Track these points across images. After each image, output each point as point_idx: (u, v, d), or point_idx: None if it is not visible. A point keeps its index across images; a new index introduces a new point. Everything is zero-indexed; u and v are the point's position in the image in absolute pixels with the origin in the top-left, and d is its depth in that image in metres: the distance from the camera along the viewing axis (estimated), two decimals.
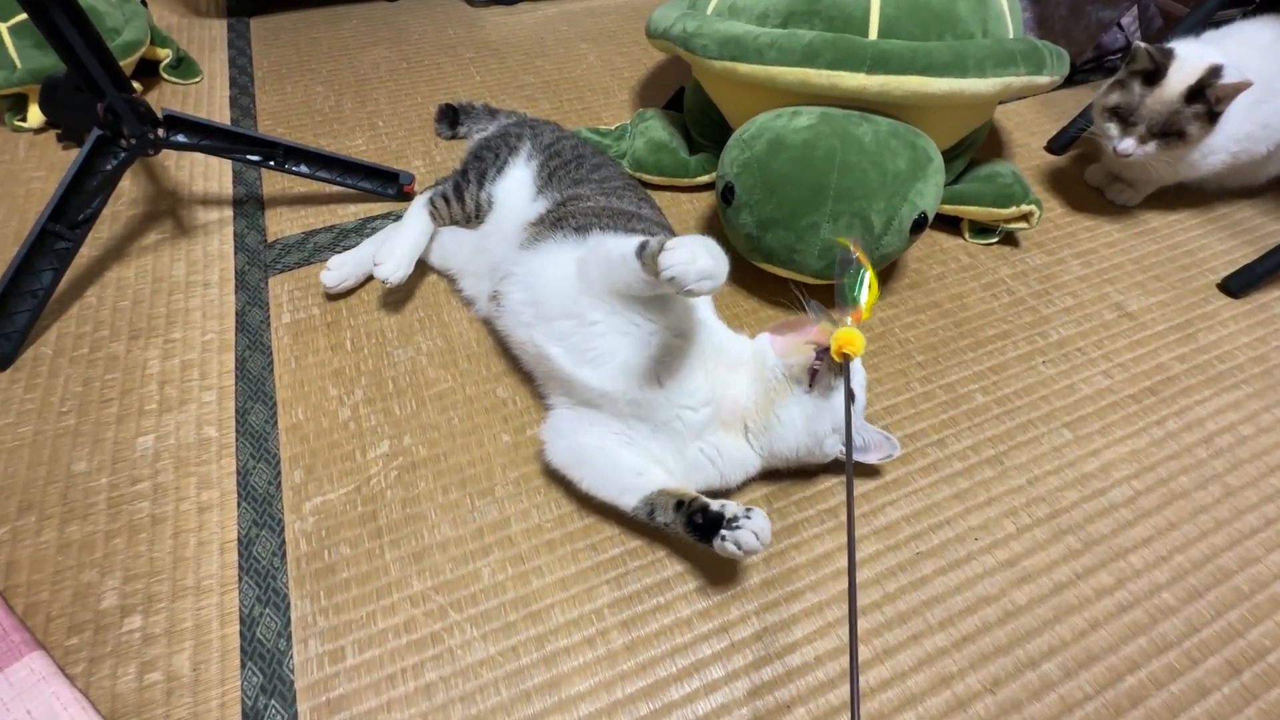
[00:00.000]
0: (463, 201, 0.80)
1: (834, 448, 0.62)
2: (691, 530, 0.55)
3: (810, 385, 0.59)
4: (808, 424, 0.59)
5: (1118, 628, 0.59)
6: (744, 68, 0.80)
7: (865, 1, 0.78)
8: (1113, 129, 0.88)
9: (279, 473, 0.66)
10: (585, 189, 0.76)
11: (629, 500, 0.59)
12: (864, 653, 0.57)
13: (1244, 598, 0.61)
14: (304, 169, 0.92)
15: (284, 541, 0.62)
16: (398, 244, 0.77)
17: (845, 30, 0.78)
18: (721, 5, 0.88)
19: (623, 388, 0.59)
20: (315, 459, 0.67)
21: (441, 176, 0.84)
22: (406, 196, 0.98)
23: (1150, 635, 0.59)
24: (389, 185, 0.97)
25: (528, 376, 0.73)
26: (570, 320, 0.62)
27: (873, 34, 0.78)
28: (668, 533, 0.59)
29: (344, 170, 0.95)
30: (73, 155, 1.00)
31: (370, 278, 0.82)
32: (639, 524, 0.62)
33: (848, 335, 0.54)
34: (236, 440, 0.69)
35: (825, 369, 0.58)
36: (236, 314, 0.80)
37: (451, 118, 1.06)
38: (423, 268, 0.84)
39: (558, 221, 0.70)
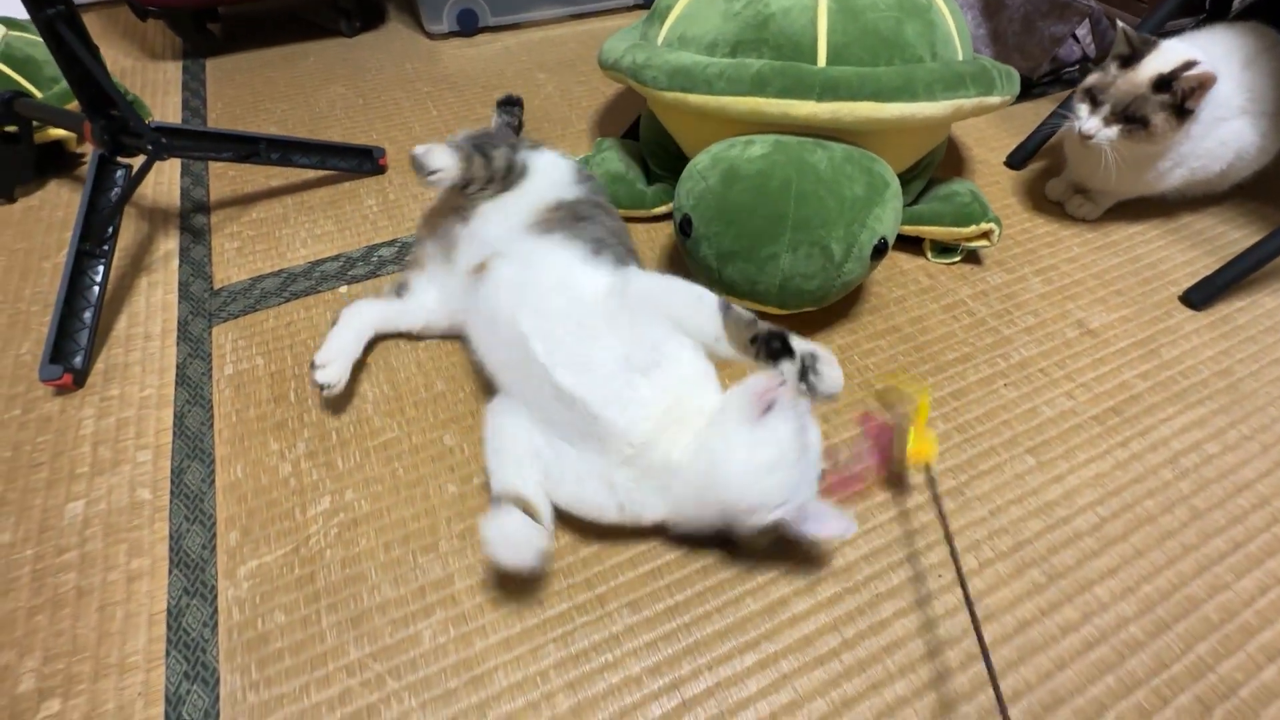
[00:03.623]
0: (489, 158, 0.72)
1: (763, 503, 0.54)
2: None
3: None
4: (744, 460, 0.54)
5: (1084, 666, 0.57)
6: (694, 98, 0.79)
7: (812, 29, 0.77)
8: (1083, 109, 0.88)
9: (214, 535, 0.64)
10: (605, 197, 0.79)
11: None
12: (821, 707, 0.54)
13: (1213, 628, 0.59)
14: (286, 157, 0.98)
15: (216, 610, 0.59)
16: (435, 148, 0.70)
17: (794, 58, 0.77)
18: (671, 35, 0.87)
19: (590, 399, 0.57)
20: (253, 519, 0.65)
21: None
22: (381, 170, 1.06)
23: (1118, 673, 0.57)
24: (365, 162, 1.04)
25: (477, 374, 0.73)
26: (569, 321, 0.61)
27: (821, 61, 0.77)
28: None
29: (323, 154, 1.02)
30: (6, 210, 0.99)
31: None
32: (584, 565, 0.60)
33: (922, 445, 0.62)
34: (171, 502, 0.66)
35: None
36: (177, 367, 0.78)
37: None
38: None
39: (579, 219, 0.71)
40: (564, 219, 0.71)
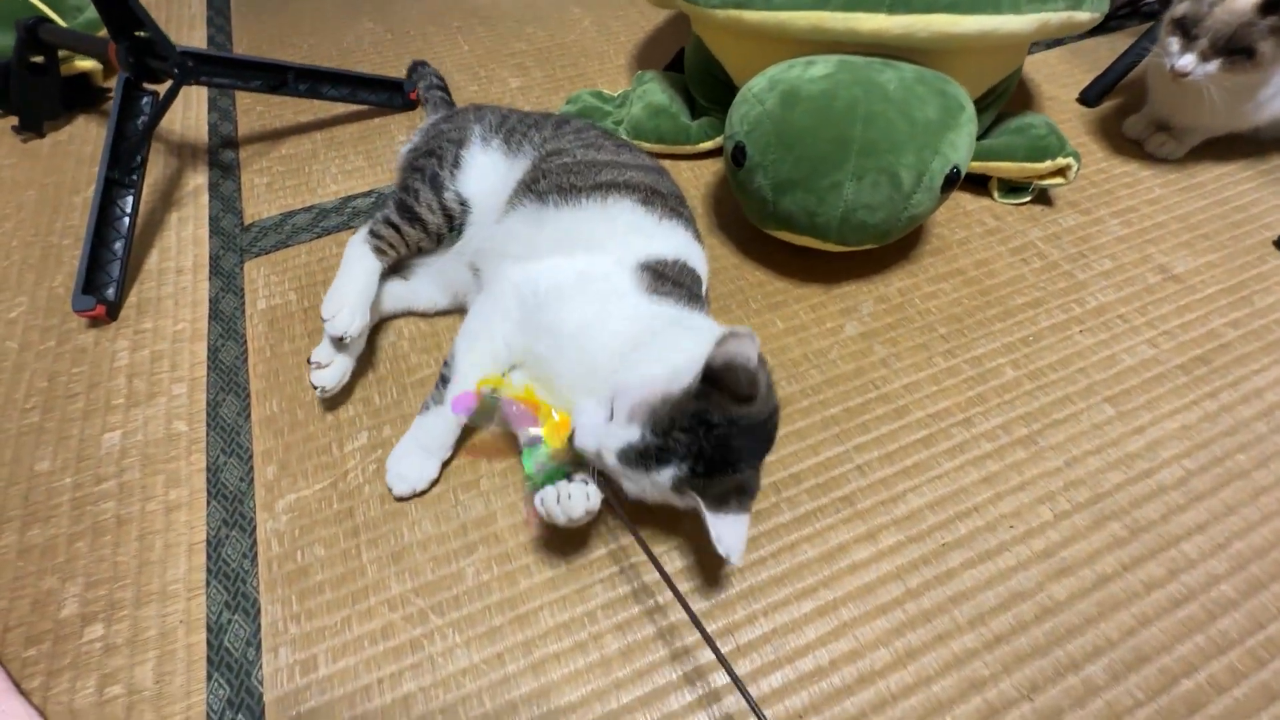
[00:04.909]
0: (417, 219, 0.66)
1: None
2: None
3: None
4: None
5: (1171, 624, 0.53)
6: (751, 15, 0.72)
7: None
8: (1173, 44, 0.79)
9: (251, 469, 0.62)
10: (564, 142, 0.68)
11: None
12: (884, 655, 0.51)
13: None
14: (315, 89, 0.94)
15: (255, 542, 0.57)
16: (343, 290, 0.63)
17: None
18: None
19: None
20: (289, 453, 0.63)
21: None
22: (412, 105, 1.02)
23: (1208, 633, 0.53)
24: (395, 96, 1.00)
25: None
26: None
27: None
28: None
29: (353, 87, 0.97)
30: (35, 144, 0.97)
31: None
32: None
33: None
34: (207, 435, 0.64)
35: None
36: (210, 301, 0.76)
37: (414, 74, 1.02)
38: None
39: (532, 184, 0.64)
40: (519, 193, 0.65)
